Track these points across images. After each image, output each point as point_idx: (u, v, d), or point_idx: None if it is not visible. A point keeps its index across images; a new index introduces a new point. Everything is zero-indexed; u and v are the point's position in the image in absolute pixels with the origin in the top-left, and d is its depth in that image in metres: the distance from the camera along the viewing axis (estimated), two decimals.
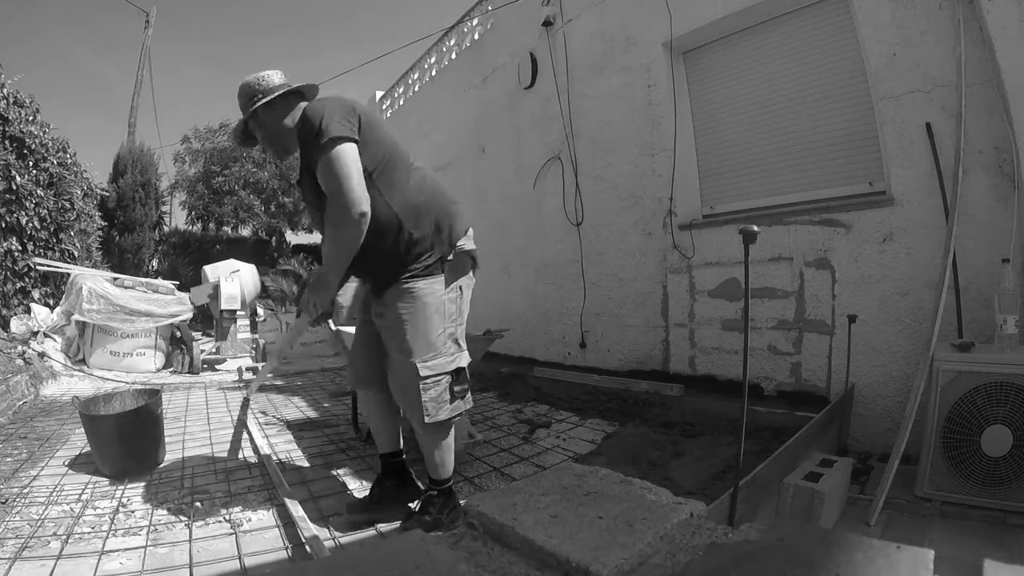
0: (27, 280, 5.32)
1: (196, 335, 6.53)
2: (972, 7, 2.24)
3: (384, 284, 1.65)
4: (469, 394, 1.69)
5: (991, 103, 2.21)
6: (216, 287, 5.59)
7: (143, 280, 5.83)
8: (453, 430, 1.72)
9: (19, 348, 4.39)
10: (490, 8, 5.61)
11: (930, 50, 2.40)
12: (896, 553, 0.82)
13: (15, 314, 5.08)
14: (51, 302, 5.52)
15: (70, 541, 1.67)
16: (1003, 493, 1.75)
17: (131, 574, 1.51)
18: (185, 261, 11.84)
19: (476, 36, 5.96)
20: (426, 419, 1.59)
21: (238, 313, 5.92)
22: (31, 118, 5.46)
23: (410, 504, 1.84)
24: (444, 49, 6.65)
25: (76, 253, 6.19)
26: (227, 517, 1.87)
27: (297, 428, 3.07)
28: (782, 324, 2.98)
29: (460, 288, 1.67)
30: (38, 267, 5.35)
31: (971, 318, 2.24)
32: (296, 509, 1.84)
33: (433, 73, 6.96)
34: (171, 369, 5.35)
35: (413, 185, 1.64)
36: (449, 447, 1.71)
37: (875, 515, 1.80)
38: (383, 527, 1.80)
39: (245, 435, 2.90)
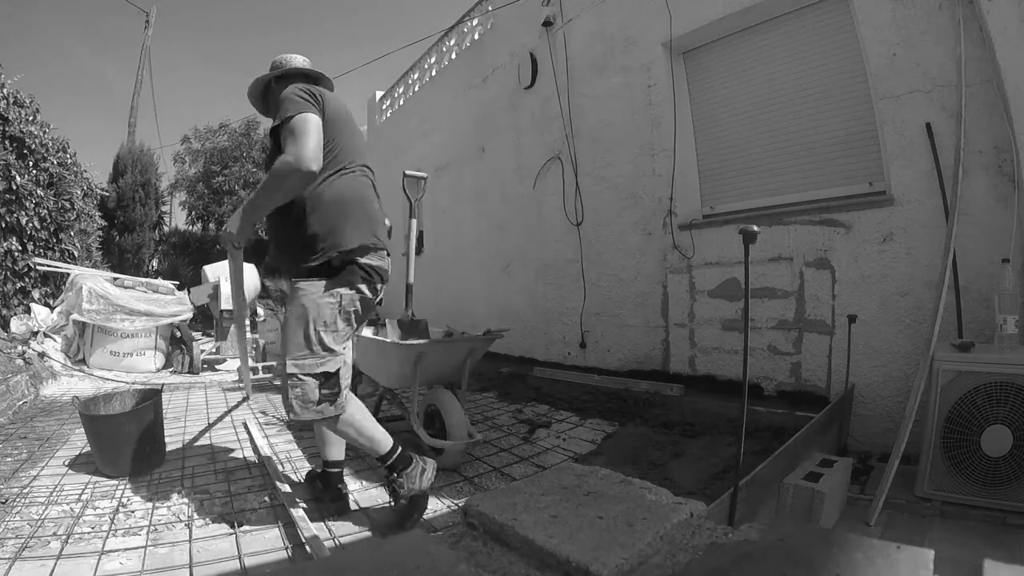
0: (27, 280, 5.32)
1: (196, 335, 6.53)
2: (972, 7, 2.24)
3: (287, 274, 1.72)
4: (340, 400, 1.66)
5: (991, 103, 2.21)
6: (216, 287, 5.59)
7: (143, 280, 5.83)
8: (361, 424, 1.72)
9: (19, 348, 4.39)
10: (490, 8, 5.61)
11: (930, 50, 2.40)
12: (896, 553, 0.82)
13: (15, 314, 5.08)
14: (51, 302, 5.52)
15: (70, 541, 1.67)
16: (1003, 493, 1.75)
17: (131, 574, 1.50)
18: (185, 261, 11.83)
19: (476, 36, 5.96)
20: (290, 416, 1.65)
21: None
22: (31, 118, 5.46)
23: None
24: (444, 49, 6.65)
25: (76, 253, 6.19)
26: (227, 517, 1.87)
27: (297, 428, 3.07)
28: (782, 324, 2.98)
29: (340, 296, 1.67)
30: (38, 267, 5.35)
31: (971, 318, 2.24)
32: (296, 509, 1.84)
33: (433, 73, 6.96)
34: (171, 369, 5.35)
35: (337, 184, 1.69)
36: (358, 434, 1.71)
37: (875, 515, 1.80)
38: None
39: (245, 435, 2.90)
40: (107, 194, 10.02)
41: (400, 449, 1.74)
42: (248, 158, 13.97)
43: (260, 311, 7.68)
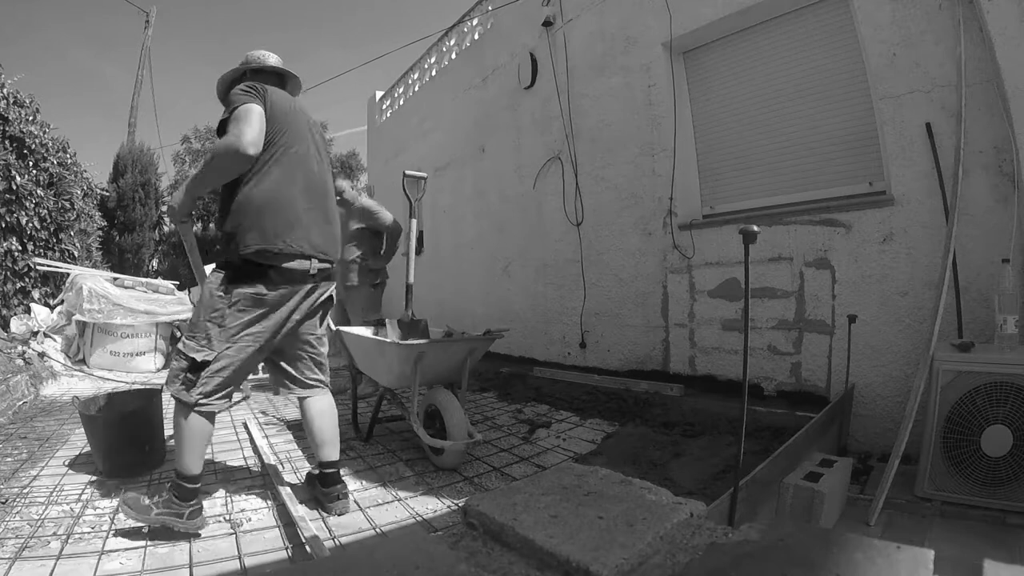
0: (27, 280, 5.32)
1: None
2: (972, 7, 2.24)
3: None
4: (195, 392, 1.66)
5: (991, 103, 2.21)
6: None
7: (143, 280, 5.82)
8: (191, 432, 1.69)
9: (19, 348, 4.39)
10: (490, 8, 5.61)
11: (930, 50, 2.40)
12: (896, 553, 0.82)
13: (15, 314, 5.08)
14: (51, 302, 5.52)
15: (70, 541, 1.67)
16: (1003, 493, 1.76)
17: (131, 574, 1.50)
18: (185, 261, 11.81)
19: (476, 36, 5.96)
20: (167, 384, 1.73)
21: None
22: (31, 118, 5.46)
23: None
24: (444, 49, 6.65)
25: (76, 253, 6.19)
26: (227, 517, 1.87)
27: (297, 428, 3.07)
28: (782, 324, 2.98)
29: (232, 295, 1.67)
30: (38, 267, 5.35)
31: (971, 318, 2.24)
32: (296, 509, 1.84)
33: (433, 73, 6.96)
34: None
35: (261, 185, 1.70)
36: (183, 438, 1.70)
37: (875, 515, 1.80)
38: (385, 527, 1.80)
39: (245, 435, 2.90)
40: (107, 194, 10.02)
41: (196, 487, 1.70)
42: None
43: None
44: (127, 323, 4.98)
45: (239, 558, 1.59)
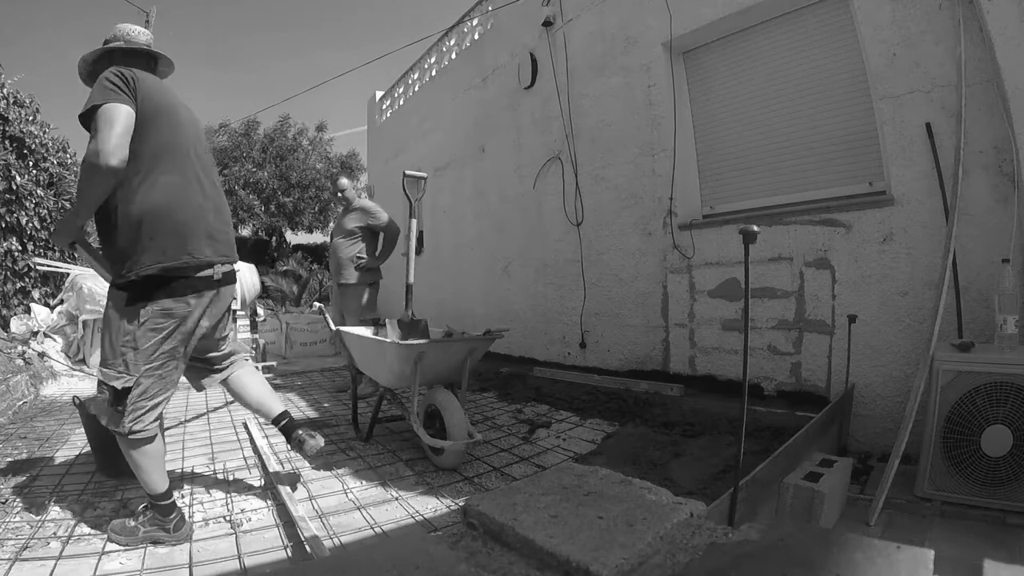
0: (27, 280, 5.32)
1: None
2: (972, 7, 2.24)
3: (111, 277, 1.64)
4: (125, 419, 1.57)
5: (991, 103, 2.21)
6: None
7: None
8: (141, 453, 1.63)
9: (19, 348, 4.39)
10: (490, 8, 5.61)
11: (930, 50, 2.40)
12: (896, 553, 0.82)
13: (15, 314, 5.08)
14: (51, 302, 5.52)
15: (70, 541, 1.67)
16: (1003, 493, 1.75)
17: (131, 574, 1.51)
18: None
19: (476, 36, 5.96)
20: (99, 418, 1.67)
21: (238, 313, 5.91)
22: (31, 118, 5.46)
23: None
24: (444, 49, 6.66)
25: (76, 253, 6.19)
26: (227, 517, 1.87)
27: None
28: (782, 324, 2.98)
29: (140, 315, 1.55)
30: (38, 267, 5.34)
31: (971, 318, 2.24)
32: (296, 509, 1.84)
33: (433, 73, 6.97)
34: None
35: (148, 192, 1.54)
36: (140, 466, 1.63)
37: (875, 515, 1.80)
38: (385, 527, 1.80)
39: (245, 435, 2.90)
40: None
41: (170, 501, 1.68)
42: (248, 158, 13.98)
43: (260, 311, 7.68)
44: None
45: (239, 558, 1.59)
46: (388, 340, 2.48)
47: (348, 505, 1.98)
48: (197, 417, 3.36)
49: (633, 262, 3.91)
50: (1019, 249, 2.11)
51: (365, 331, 3.07)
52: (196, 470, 2.36)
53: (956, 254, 2.22)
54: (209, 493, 2.10)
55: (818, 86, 2.95)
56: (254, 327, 7.07)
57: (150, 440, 1.65)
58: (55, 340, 5.00)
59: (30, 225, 5.21)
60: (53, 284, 5.70)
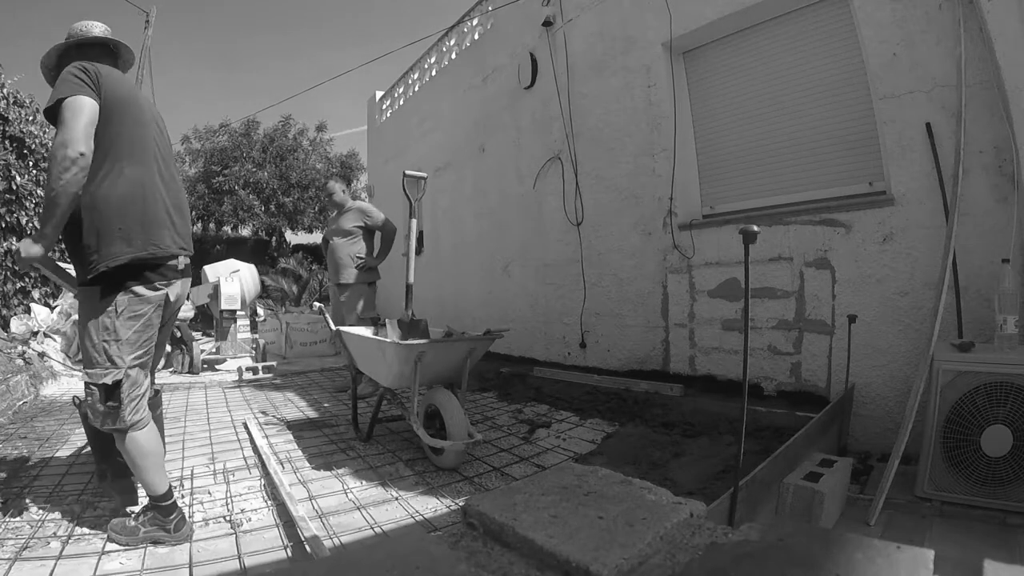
0: (27, 280, 5.32)
1: (196, 335, 6.53)
2: (972, 7, 2.24)
3: (78, 279, 1.64)
4: (124, 412, 1.57)
5: (991, 103, 2.21)
6: (216, 287, 5.59)
7: None
8: (142, 453, 1.61)
9: (19, 348, 4.39)
10: (490, 8, 5.61)
11: (930, 50, 2.40)
12: (896, 553, 0.82)
13: (15, 314, 5.08)
14: (51, 302, 5.52)
15: (70, 541, 1.67)
16: (1003, 493, 1.75)
17: (131, 574, 1.51)
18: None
19: (476, 36, 5.96)
20: (92, 421, 1.61)
21: (238, 313, 5.92)
22: (31, 118, 5.46)
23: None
24: (444, 49, 6.66)
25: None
26: (227, 517, 1.87)
27: (297, 428, 3.07)
28: (782, 324, 2.98)
29: (115, 305, 1.57)
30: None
31: (971, 318, 2.24)
32: (296, 509, 1.84)
33: (433, 73, 6.97)
34: (171, 369, 5.36)
35: (111, 184, 1.56)
36: (141, 466, 1.62)
37: (875, 515, 1.80)
38: (385, 527, 1.80)
39: (245, 435, 2.90)
40: None
41: (172, 501, 1.68)
42: (248, 158, 13.98)
43: (260, 311, 7.68)
44: None
45: (239, 558, 1.59)
46: (388, 340, 2.48)
47: (348, 505, 1.98)
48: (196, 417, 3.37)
49: (633, 262, 3.91)
50: (1019, 249, 2.11)
51: (365, 331, 3.07)
52: (196, 470, 2.36)
53: (956, 254, 2.22)
54: (209, 493, 2.10)
55: (818, 86, 2.95)
56: (254, 327, 7.08)
57: (148, 433, 1.64)
58: (55, 340, 5.00)
59: (30, 225, 5.20)
60: (53, 284, 5.70)
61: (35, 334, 4.85)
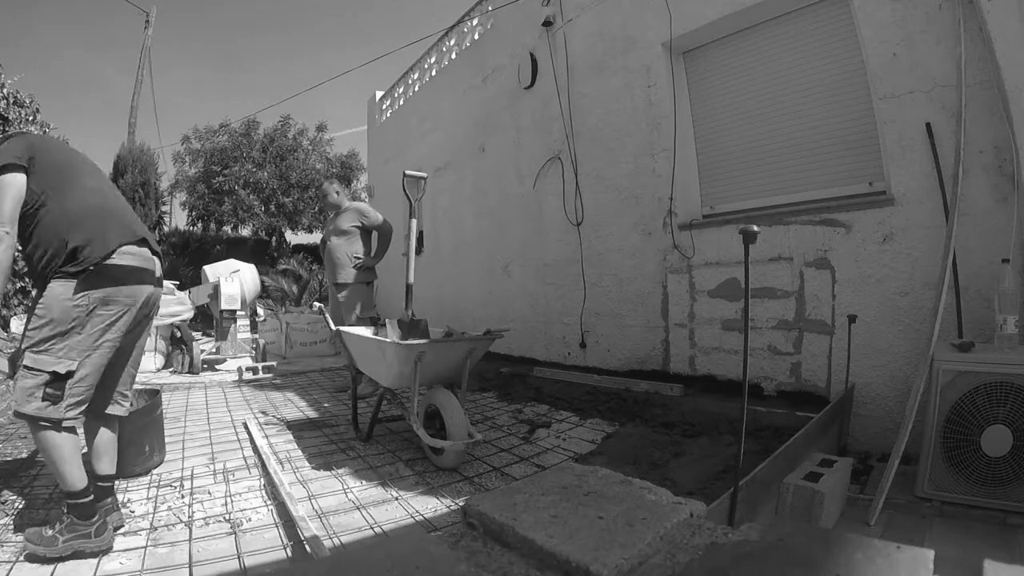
0: (27, 280, 5.32)
1: (196, 335, 6.53)
2: (972, 7, 2.24)
3: (35, 279, 1.70)
4: (63, 404, 1.57)
5: (991, 103, 2.21)
6: (216, 287, 5.59)
7: None
8: (65, 451, 1.58)
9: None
10: (490, 8, 5.61)
11: (930, 50, 2.40)
12: (896, 553, 0.82)
13: (15, 314, 5.08)
14: None
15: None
16: (1003, 493, 1.75)
17: (131, 574, 1.51)
18: (185, 261, 11.85)
19: (476, 36, 5.96)
20: (14, 405, 1.60)
21: (238, 313, 5.92)
22: (31, 118, 5.46)
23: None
24: (444, 49, 6.66)
25: None
26: (227, 517, 1.87)
27: (297, 428, 3.07)
28: (782, 324, 2.98)
29: (89, 298, 1.60)
30: None
31: (971, 318, 2.24)
32: (296, 509, 1.84)
33: (433, 73, 6.97)
34: (171, 369, 5.35)
35: (78, 203, 1.68)
36: (58, 458, 1.57)
37: (875, 515, 1.80)
38: (385, 526, 1.80)
39: (245, 435, 2.90)
40: None
41: (91, 499, 1.61)
42: (248, 158, 13.98)
43: (260, 311, 7.68)
44: None
45: (239, 558, 1.59)
46: (388, 340, 2.48)
47: (348, 505, 1.98)
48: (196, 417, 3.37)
49: (633, 262, 3.91)
50: (1019, 249, 2.11)
51: (365, 331, 3.07)
52: (196, 470, 2.36)
53: (956, 254, 2.22)
54: (209, 493, 2.10)
55: (818, 86, 2.95)
56: (254, 327, 7.08)
57: (72, 431, 1.62)
58: None
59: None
60: None
61: None
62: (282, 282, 10.61)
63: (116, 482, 2.15)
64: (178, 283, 6.37)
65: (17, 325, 4.87)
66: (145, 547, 1.65)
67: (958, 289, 2.23)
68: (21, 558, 1.56)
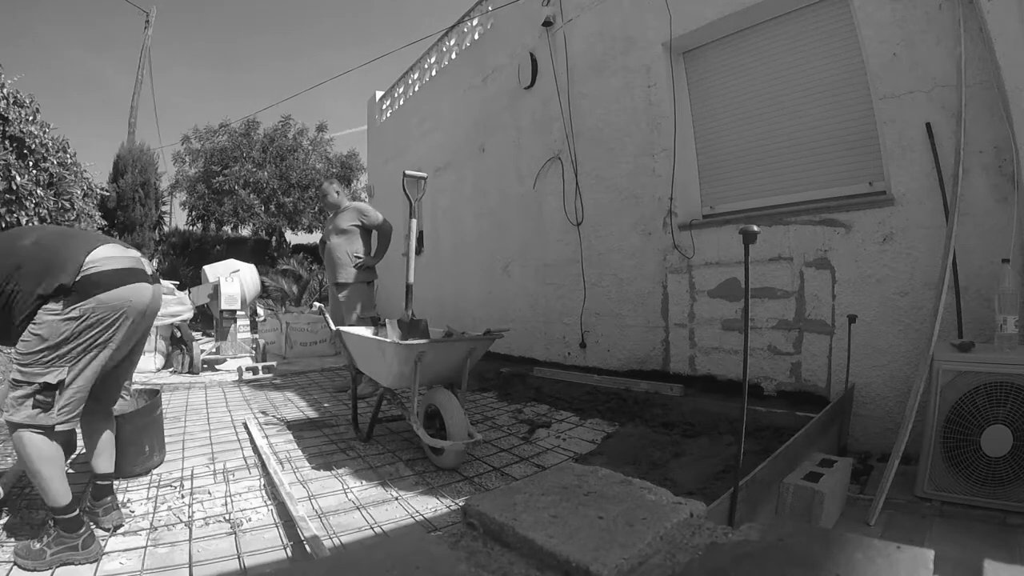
0: None
1: (196, 335, 6.53)
2: (972, 7, 2.24)
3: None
4: (55, 411, 1.55)
5: (991, 103, 2.21)
6: (216, 287, 5.59)
7: None
8: (52, 464, 1.57)
9: None
10: (490, 8, 5.61)
11: (930, 50, 2.40)
12: (896, 553, 0.82)
13: None
14: None
15: None
16: (1003, 493, 1.75)
17: (131, 574, 1.51)
18: (185, 261, 11.84)
19: (476, 36, 5.96)
20: (4, 415, 1.59)
21: (238, 313, 5.92)
22: (31, 118, 5.46)
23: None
24: (444, 49, 6.66)
25: None
26: (227, 517, 1.87)
27: (297, 428, 3.07)
28: (782, 324, 2.98)
29: (80, 309, 1.57)
30: None
31: (971, 318, 2.24)
32: (296, 509, 1.84)
33: (433, 73, 6.97)
34: (171, 369, 5.35)
35: (38, 259, 1.59)
36: (42, 470, 1.55)
37: (875, 515, 1.80)
38: (385, 526, 1.80)
39: (245, 435, 2.90)
40: (107, 194, 10.02)
41: (76, 514, 1.58)
42: (248, 158, 13.98)
43: (260, 311, 7.68)
44: None
45: (239, 558, 1.59)
46: (388, 340, 2.48)
47: (348, 505, 1.98)
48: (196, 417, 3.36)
49: (633, 262, 3.91)
50: (1019, 249, 2.12)
51: (365, 331, 3.07)
52: (196, 470, 2.36)
53: (956, 254, 2.22)
54: (209, 493, 2.10)
55: (818, 86, 2.95)
56: (254, 327, 7.08)
57: (59, 440, 1.60)
58: None
59: (30, 225, 5.20)
60: None
61: None
62: (282, 282, 10.61)
63: (116, 482, 2.15)
64: (178, 283, 6.37)
65: None
66: (145, 547, 1.65)
67: (958, 289, 2.23)
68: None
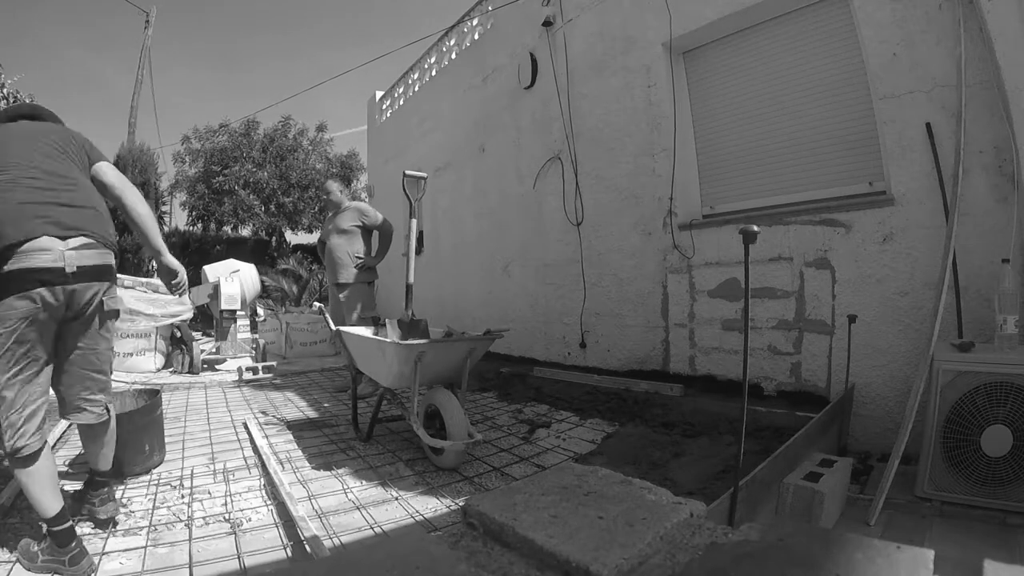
0: None
1: (196, 335, 6.53)
2: (972, 7, 2.24)
3: None
4: (5, 440, 1.48)
5: (991, 103, 2.21)
6: (216, 287, 5.59)
7: (143, 280, 5.83)
8: (36, 478, 1.52)
9: None
10: (490, 8, 5.61)
11: (930, 50, 2.40)
12: (896, 553, 0.82)
13: None
14: None
15: None
16: (1003, 493, 1.75)
17: (131, 574, 1.51)
18: (185, 261, 11.80)
19: (476, 36, 5.96)
20: None
21: (238, 313, 5.92)
22: None
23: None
24: (444, 49, 6.66)
25: None
26: (227, 517, 1.87)
27: (297, 428, 3.07)
28: (782, 324, 2.98)
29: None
30: None
31: (971, 318, 2.24)
32: (296, 509, 1.84)
33: (433, 73, 6.97)
34: (171, 369, 5.35)
35: None
36: (29, 488, 1.52)
37: (875, 515, 1.80)
38: (385, 526, 1.80)
39: (245, 435, 2.90)
40: None
41: (67, 526, 1.52)
42: (248, 158, 13.98)
43: (260, 311, 7.68)
44: (127, 323, 4.97)
45: (239, 558, 1.59)
46: (388, 340, 2.48)
47: (348, 505, 1.98)
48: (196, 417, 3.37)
49: (633, 262, 3.91)
50: (1019, 249, 2.11)
51: (365, 331, 3.07)
52: (196, 470, 2.36)
53: (956, 254, 2.22)
54: (209, 493, 2.10)
55: (818, 86, 2.95)
56: (254, 327, 7.08)
57: (36, 458, 1.53)
58: None
59: None
60: None
61: None
62: (282, 282, 10.61)
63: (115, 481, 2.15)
64: None
65: None
66: (145, 547, 1.65)
67: (958, 289, 2.23)
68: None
